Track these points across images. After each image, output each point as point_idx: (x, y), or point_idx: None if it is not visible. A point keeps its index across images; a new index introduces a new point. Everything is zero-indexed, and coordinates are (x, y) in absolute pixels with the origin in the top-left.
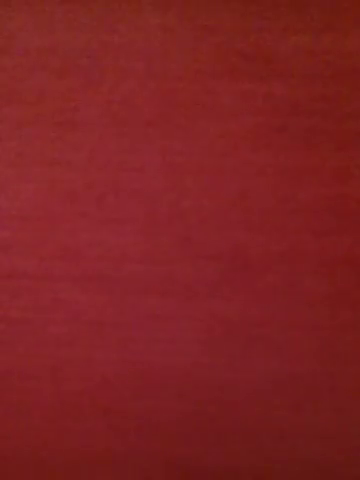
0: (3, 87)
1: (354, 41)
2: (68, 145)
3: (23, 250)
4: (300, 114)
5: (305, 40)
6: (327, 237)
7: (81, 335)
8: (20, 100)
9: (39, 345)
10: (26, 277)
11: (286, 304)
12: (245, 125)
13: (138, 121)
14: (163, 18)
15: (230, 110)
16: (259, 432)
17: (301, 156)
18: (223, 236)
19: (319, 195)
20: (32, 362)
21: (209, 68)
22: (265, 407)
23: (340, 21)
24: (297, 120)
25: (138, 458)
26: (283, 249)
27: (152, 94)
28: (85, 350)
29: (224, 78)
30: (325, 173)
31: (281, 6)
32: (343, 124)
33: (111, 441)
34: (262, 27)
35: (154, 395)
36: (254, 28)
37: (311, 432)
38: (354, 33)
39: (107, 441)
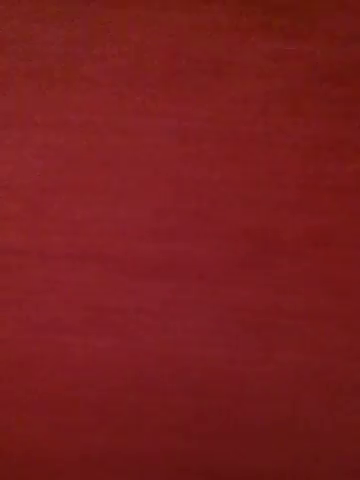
0: None
1: None
2: (66, 104)
3: (15, 223)
4: (338, 79)
5: None
6: None
7: (79, 321)
8: (11, 52)
9: (29, 330)
10: (17, 253)
11: (313, 293)
12: (274, 88)
13: (148, 78)
14: None
15: (257, 71)
16: (278, 430)
17: (338, 126)
18: (245, 213)
19: (358, 171)
20: (22, 349)
21: (233, 21)
22: (286, 404)
23: None
24: (335, 86)
25: (143, 456)
26: (314, 231)
27: (163, 47)
28: (83, 338)
29: (251, 34)
30: None
31: None
32: None
33: (112, 438)
34: None
35: (163, 390)
36: None
37: (336, 431)
38: None
39: (107, 438)
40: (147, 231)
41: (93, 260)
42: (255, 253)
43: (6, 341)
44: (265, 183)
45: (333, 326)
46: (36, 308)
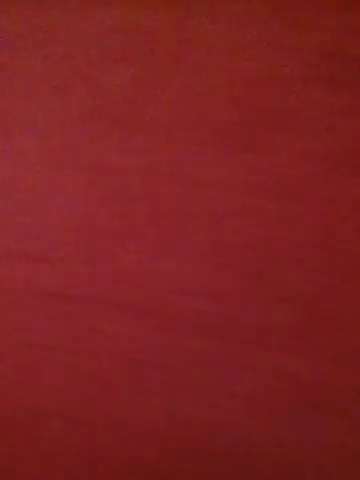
0: (53, 76)
1: None
2: (122, 149)
3: (63, 266)
4: None
5: None
6: None
7: (122, 375)
8: (72, 92)
9: (72, 381)
10: (65, 299)
11: None
12: (339, 146)
13: (211, 126)
14: (247, 4)
15: (324, 126)
16: None
17: None
18: (302, 277)
19: None
20: (62, 400)
21: (303, 72)
22: None
23: None
24: None
25: None
26: None
27: (228, 97)
28: (124, 393)
29: (320, 86)
30: None
31: None
32: None
33: None
34: None
35: (198, 458)
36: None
37: None
38: None
39: None
40: (199, 287)
41: (139, 312)
42: (307, 319)
43: (49, 389)
44: (321, 246)
45: None
46: (78, 357)
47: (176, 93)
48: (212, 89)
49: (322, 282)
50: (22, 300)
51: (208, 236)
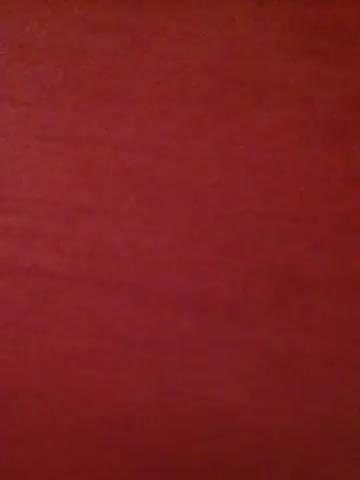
0: (33, 43)
1: None
2: (105, 120)
3: (45, 242)
4: None
5: None
6: None
7: (104, 353)
8: (52, 59)
9: (55, 360)
10: (46, 275)
11: (347, 340)
12: (314, 116)
13: (188, 99)
14: None
15: (298, 96)
16: None
17: None
18: (279, 250)
19: None
20: (45, 379)
21: (276, 42)
22: (310, 461)
23: None
24: None
25: None
26: (347, 273)
27: (206, 68)
28: (107, 371)
29: (293, 56)
30: None
31: None
32: None
33: (128, 478)
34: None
35: (182, 432)
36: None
37: None
38: None
39: (124, 477)
40: (178, 262)
41: (122, 288)
42: (284, 292)
43: (31, 368)
44: (297, 218)
45: None
46: (61, 335)
47: (153, 64)
48: (189, 61)
49: (296, 254)
50: (2, 278)
51: (186, 210)
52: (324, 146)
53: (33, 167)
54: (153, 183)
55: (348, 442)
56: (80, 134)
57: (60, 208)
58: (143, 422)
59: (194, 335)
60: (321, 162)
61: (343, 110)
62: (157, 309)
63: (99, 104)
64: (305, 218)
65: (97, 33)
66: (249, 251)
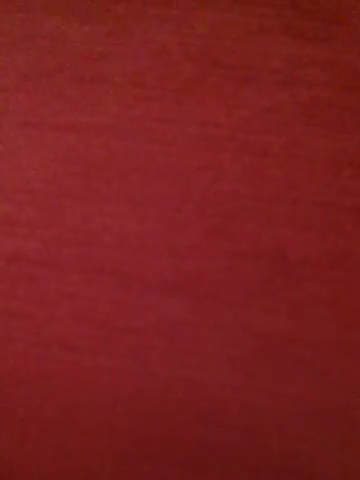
0: (11, 31)
1: None
2: (87, 106)
3: (26, 229)
4: None
5: None
6: None
7: (88, 338)
8: (32, 47)
9: (39, 346)
10: (28, 261)
11: (335, 321)
12: (298, 97)
13: (170, 83)
14: None
15: (282, 77)
16: (287, 468)
17: None
18: (263, 232)
19: None
20: (29, 365)
21: (259, 24)
22: (298, 444)
23: None
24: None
25: None
26: (335, 253)
27: (188, 51)
28: (91, 356)
29: (277, 37)
30: None
31: None
32: None
33: (114, 465)
34: None
35: (169, 415)
36: None
37: (342, 469)
38: None
39: (110, 465)
40: (163, 246)
41: (105, 273)
42: (270, 274)
43: (14, 355)
44: (283, 199)
45: (351, 360)
46: (45, 322)
47: (134, 49)
48: (170, 45)
49: (283, 236)
50: None
51: (170, 194)
52: (309, 127)
53: (14, 154)
54: (136, 168)
55: (336, 422)
56: (61, 120)
57: (42, 195)
58: (129, 407)
59: (180, 319)
60: (306, 143)
61: (327, 91)
62: (142, 294)
63: (80, 90)
64: (291, 199)
65: (76, 20)
66: (235, 234)
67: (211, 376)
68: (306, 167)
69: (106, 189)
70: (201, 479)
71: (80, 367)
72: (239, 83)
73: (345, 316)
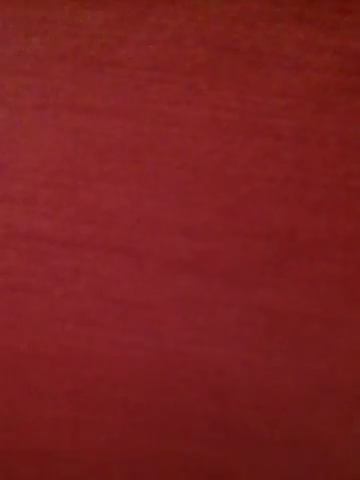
0: (29, 16)
1: None
2: (101, 89)
3: (44, 208)
4: None
5: None
6: None
7: (104, 313)
8: (48, 32)
9: (57, 320)
10: (46, 240)
11: (344, 299)
12: (309, 82)
13: (183, 66)
14: None
15: (292, 63)
16: (297, 442)
17: None
18: (275, 213)
19: None
20: (47, 339)
21: (270, 10)
22: (307, 416)
23: None
24: None
25: (157, 457)
26: (344, 234)
27: (202, 36)
28: (107, 331)
29: (287, 24)
30: None
31: None
32: None
33: (129, 437)
34: None
35: (182, 390)
36: None
37: (353, 444)
38: None
39: (125, 436)
40: (177, 225)
41: (121, 252)
42: (280, 253)
43: (33, 329)
44: (294, 181)
45: (358, 335)
46: (63, 297)
47: (148, 34)
48: (183, 30)
49: (293, 216)
50: (2, 243)
51: (183, 175)
52: (318, 111)
53: (31, 136)
54: (150, 149)
55: (346, 398)
56: (77, 103)
57: (58, 175)
58: (143, 381)
59: (193, 296)
60: (315, 126)
61: (335, 76)
62: (156, 271)
63: (95, 74)
64: (301, 181)
65: (91, 7)
66: (247, 214)
67: (224, 352)
68: (316, 150)
69: (121, 170)
70: (213, 452)
71: (96, 342)
72: (251, 68)
73: (355, 294)
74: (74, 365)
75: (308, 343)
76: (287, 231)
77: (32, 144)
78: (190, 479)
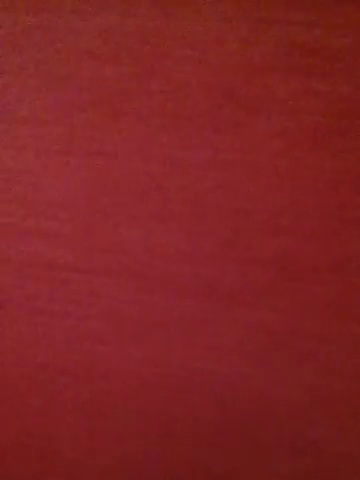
0: (53, 71)
1: None
2: (116, 135)
3: (65, 240)
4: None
5: None
6: None
7: (118, 333)
8: (70, 85)
9: (76, 340)
10: (67, 268)
11: (336, 318)
12: (303, 125)
13: (190, 114)
14: (220, 7)
15: (287, 107)
16: (296, 449)
17: None
18: (272, 241)
19: None
20: (68, 357)
21: (267, 62)
22: (305, 426)
23: None
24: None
25: (168, 465)
26: (336, 259)
27: (206, 86)
28: (121, 349)
29: (282, 73)
30: None
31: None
32: None
33: (142, 446)
34: (326, 21)
35: (190, 402)
36: (316, 22)
37: (354, 459)
38: None
39: (137, 446)
40: (184, 254)
41: (133, 278)
42: (278, 278)
43: (55, 348)
44: (289, 213)
45: (350, 351)
46: (81, 319)
47: (157, 85)
48: (189, 81)
49: (290, 245)
50: (28, 272)
51: (189, 210)
52: (312, 151)
53: (53, 177)
54: (159, 188)
55: (342, 409)
56: (94, 148)
57: (78, 211)
58: (154, 393)
59: (199, 317)
60: (310, 164)
61: (328, 119)
62: (165, 295)
63: (110, 122)
64: (297, 213)
65: (107, 62)
66: (246, 244)
67: (226, 367)
68: (310, 185)
69: (134, 206)
70: (218, 456)
71: (111, 358)
72: (250, 113)
73: (346, 313)
74: (91, 379)
75: (304, 358)
76: (282, 258)
77: (54, 185)
78: None
